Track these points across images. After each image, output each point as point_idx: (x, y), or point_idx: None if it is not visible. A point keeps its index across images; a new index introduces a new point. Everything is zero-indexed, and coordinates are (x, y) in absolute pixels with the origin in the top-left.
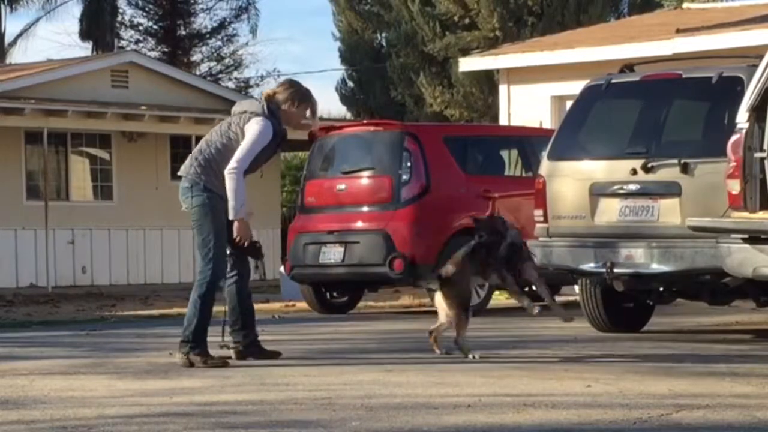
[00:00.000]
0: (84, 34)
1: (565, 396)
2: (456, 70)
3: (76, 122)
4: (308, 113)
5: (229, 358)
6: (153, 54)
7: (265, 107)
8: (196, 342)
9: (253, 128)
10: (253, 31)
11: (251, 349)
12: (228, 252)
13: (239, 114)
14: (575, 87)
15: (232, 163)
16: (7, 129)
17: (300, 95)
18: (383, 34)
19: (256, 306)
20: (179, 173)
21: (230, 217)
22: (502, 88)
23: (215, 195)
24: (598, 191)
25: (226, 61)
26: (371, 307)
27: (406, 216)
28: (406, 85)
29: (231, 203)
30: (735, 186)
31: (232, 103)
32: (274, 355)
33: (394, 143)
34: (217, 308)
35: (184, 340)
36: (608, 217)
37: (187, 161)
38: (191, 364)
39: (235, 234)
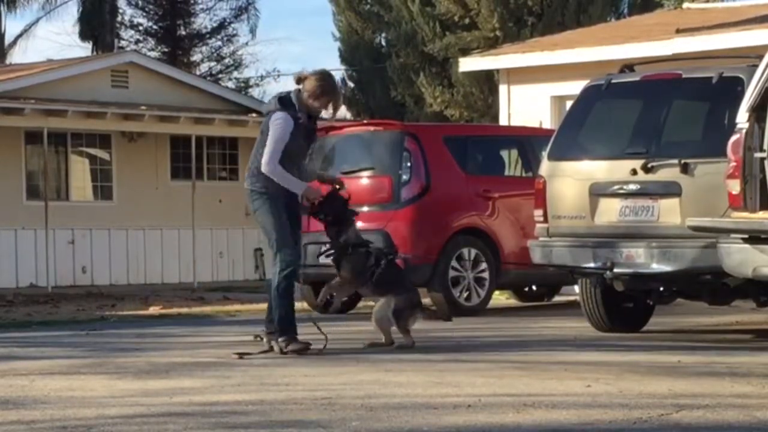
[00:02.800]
0: (84, 35)
1: (565, 396)
2: (456, 70)
3: (76, 122)
4: (329, 108)
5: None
6: (153, 54)
7: (278, 102)
8: (283, 331)
9: (273, 125)
10: (253, 31)
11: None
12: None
13: (266, 117)
14: (575, 87)
15: (263, 163)
16: (7, 129)
17: (323, 90)
18: (383, 34)
19: (256, 306)
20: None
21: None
22: (502, 88)
23: (270, 195)
24: (598, 191)
25: (226, 61)
26: (371, 307)
27: (406, 216)
28: (406, 85)
29: (289, 187)
30: (735, 186)
31: (233, 103)
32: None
33: (394, 143)
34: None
35: (271, 331)
36: (608, 217)
37: (247, 172)
38: (282, 351)
39: (303, 202)
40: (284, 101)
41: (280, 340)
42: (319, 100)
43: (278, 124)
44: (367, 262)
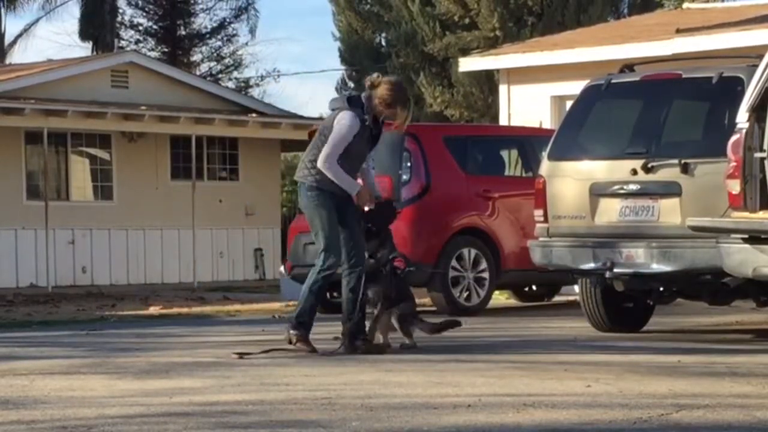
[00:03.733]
0: (84, 34)
1: (565, 396)
2: (456, 70)
3: (76, 122)
4: (396, 116)
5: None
6: (153, 54)
7: (346, 100)
8: (299, 325)
9: (339, 122)
10: (253, 31)
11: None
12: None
13: (331, 112)
14: (575, 87)
15: (321, 157)
16: (7, 129)
17: (395, 99)
18: (383, 34)
19: (256, 306)
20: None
21: (353, 193)
22: (502, 88)
23: (324, 192)
24: (598, 191)
25: (226, 61)
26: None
27: (406, 216)
28: (406, 85)
29: (343, 186)
30: (735, 186)
31: (233, 103)
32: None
33: (394, 143)
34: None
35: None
36: (608, 217)
37: (300, 164)
38: (290, 342)
39: (357, 203)
40: (354, 100)
41: (292, 332)
42: (390, 108)
43: (344, 123)
44: (391, 283)
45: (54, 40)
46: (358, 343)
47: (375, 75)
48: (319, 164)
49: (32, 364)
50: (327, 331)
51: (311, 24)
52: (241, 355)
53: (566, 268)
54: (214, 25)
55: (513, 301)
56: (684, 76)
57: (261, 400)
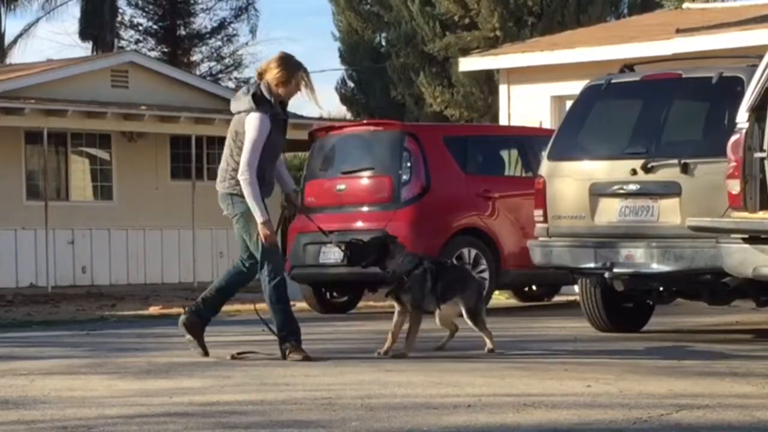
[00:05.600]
0: (84, 34)
1: (565, 396)
2: (456, 70)
3: (76, 122)
4: (303, 88)
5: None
6: (153, 54)
7: (252, 100)
8: (285, 338)
9: (249, 126)
10: (253, 31)
11: (195, 326)
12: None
13: (236, 116)
14: (575, 87)
15: (242, 168)
16: (7, 129)
17: (289, 72)
18: (383, 34)
19: (258, 306)
20: (217, 188)
21: (257, 221)
22: (502, 88)
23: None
24: (598, 191)
25: (226, 61)
26: (371, 307)
27: (406, 216)
28: (406, 85)
29: (252, 208)
30: (735, 186)
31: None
32: (205, 349)
33: (394, 143)
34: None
35: (283, 339)
36: (608, 217)
37: (219, 175)
38: (308, 358)
39: (261, 237)
40: (259, 98)
41: (283, 346)
42: (287, 85)
43: (254, 125)
44: (425, 283)
45: (54, 40)
46: (287, 345)
47: (259, 66)
48: (240, 174)
49: (32, 364)
50: (327, 331)
51: (311, 24)
52: (235, 356)
53: (566, 268)
54: (214, 25)
55: (513, 301)
56: (684, 76)
57: (261, 400)
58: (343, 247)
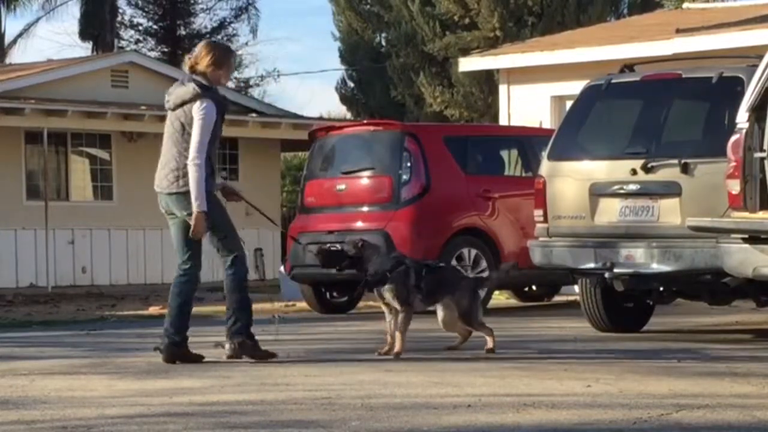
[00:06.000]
0: (84, 34)
1: (565, 396)
2: (456, 70)
3: (76, 122)
4: (231, 69)
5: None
6: (153, 54)
7: (197, 88)
8: (240, 334)
9: (198, 115)
10: (253, 31)
11: (178, 354)
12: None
13: (179, 111)
14: (575, 87)
15: (193, 154)
16: (7, 129)
17: (221, 55)
18: (383, 34)
19: (257, 306)
20: (161, 189)
21: (193, 209)
22: (502, 88)
23: (208, 194)
24: (598, 191)
25: None
26: (371, 307)
27: (406, 216)
28: (406, 85)
29: (194, 195)
30: (735, 186)
31: (232, 103)
32: (198, 358)
33: (394, 143)
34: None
35: (235, 333)
36: (608, 217)
37: (170, 175)
38: (238, 356)
39: (192, 228)
40: (204, 87)
41: (237, 342)
42: (222, 68)
43: (206, 113)
44: (407, 280)
45: (54, 40)
46: (239, 342)
47: (186, 59)
48: (190, 160)
49: (32, 364)
50: (327, 331)
51: (311, 24)
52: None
53: (566, 268)
54: (214, 25)
55: (513, 301)
56: (684, 76)
57: (261, 400)
58: (315, 251)
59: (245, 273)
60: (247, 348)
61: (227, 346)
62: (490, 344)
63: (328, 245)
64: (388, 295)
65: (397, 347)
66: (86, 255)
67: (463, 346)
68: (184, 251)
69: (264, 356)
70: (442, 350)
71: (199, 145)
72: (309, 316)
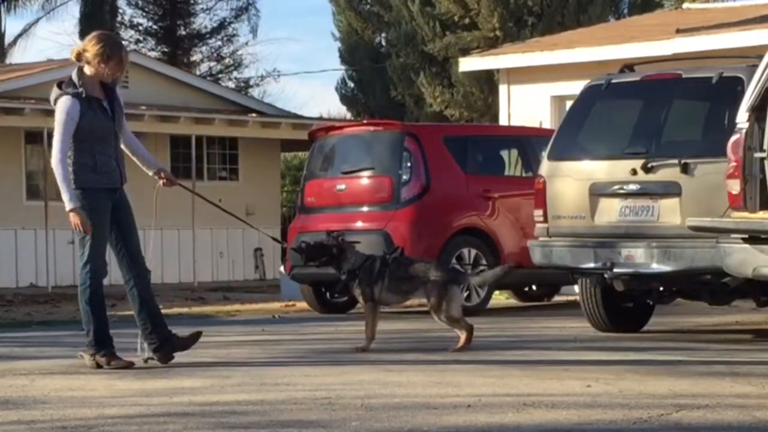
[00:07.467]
0: (84, 35)
1: (565, 396)
2: (456, 70)
3: None
4: (123, 62)
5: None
6: (153, 54)
7: (56, 86)
8: (99, 345)
9: (56, 113)
10: (254, 31)
11: (168, 347)
12: (121, 254)
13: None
14: (575, 87)
15: (52, 153)
16: (7, 129)
17: (111, 47)
18: (383, 34)
19: (256, 306)
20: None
21: (66, 208)
22: (502, 88)
23: (89, 191)
24: (598, 191)
25: (226, 61)
26: None
27: (406, 216)
28: (406, 85)
29: (62, 194)
30: (735, 186)
31: (232, 103)
32: (195, 336)
33: (394, 143)
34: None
35: (88, 344)
36: (608, 217)
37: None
38: (99, 366)
39: (72, 225)
40: (63, 84)
41: (100, 355)
42: (110, 60)
43: (59, 109)
44: (372, 275)
45: (54, 40)
46: (101, 356)
47: (73, 50)
48: (52, 163)
49: (32, 364)
50: (327, 331)
51: (311, 24)
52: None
53: (566, 268)
54: (214, 25)
55: (513, 301)
56: (684, 76)
57: (261, 400)
58: (296, 249)
59: (91, 284)
60: (105, 359)
61: (86, 356)
62: (461, 341)
63: (312, 241)
64: (356, 292)
65: (364, 342)
66: None
67: (453, 345)
68: (82, 251)
69: (123, 365)
70: (441, 350)
71: (57, 143)
72: (309, 316)
